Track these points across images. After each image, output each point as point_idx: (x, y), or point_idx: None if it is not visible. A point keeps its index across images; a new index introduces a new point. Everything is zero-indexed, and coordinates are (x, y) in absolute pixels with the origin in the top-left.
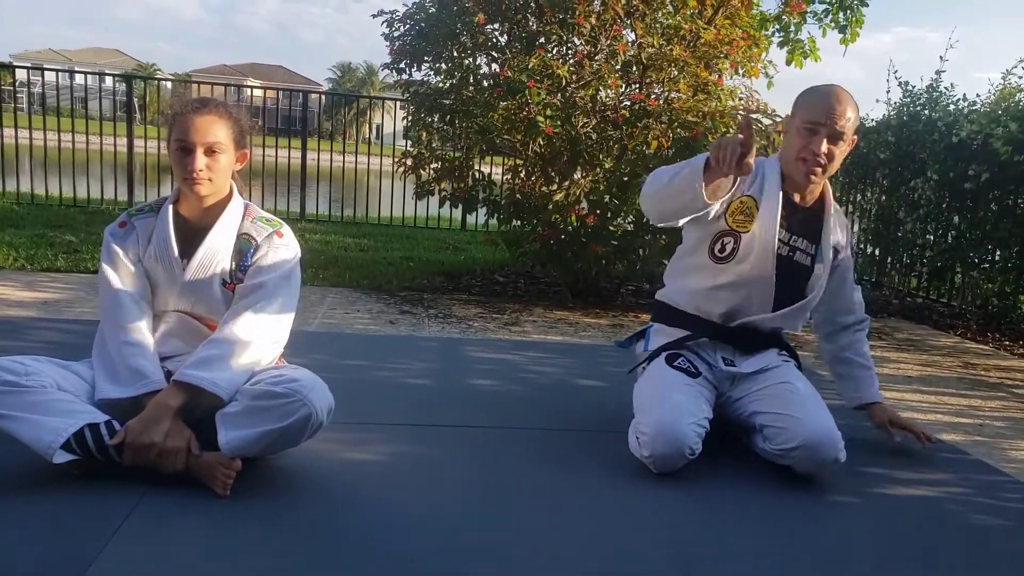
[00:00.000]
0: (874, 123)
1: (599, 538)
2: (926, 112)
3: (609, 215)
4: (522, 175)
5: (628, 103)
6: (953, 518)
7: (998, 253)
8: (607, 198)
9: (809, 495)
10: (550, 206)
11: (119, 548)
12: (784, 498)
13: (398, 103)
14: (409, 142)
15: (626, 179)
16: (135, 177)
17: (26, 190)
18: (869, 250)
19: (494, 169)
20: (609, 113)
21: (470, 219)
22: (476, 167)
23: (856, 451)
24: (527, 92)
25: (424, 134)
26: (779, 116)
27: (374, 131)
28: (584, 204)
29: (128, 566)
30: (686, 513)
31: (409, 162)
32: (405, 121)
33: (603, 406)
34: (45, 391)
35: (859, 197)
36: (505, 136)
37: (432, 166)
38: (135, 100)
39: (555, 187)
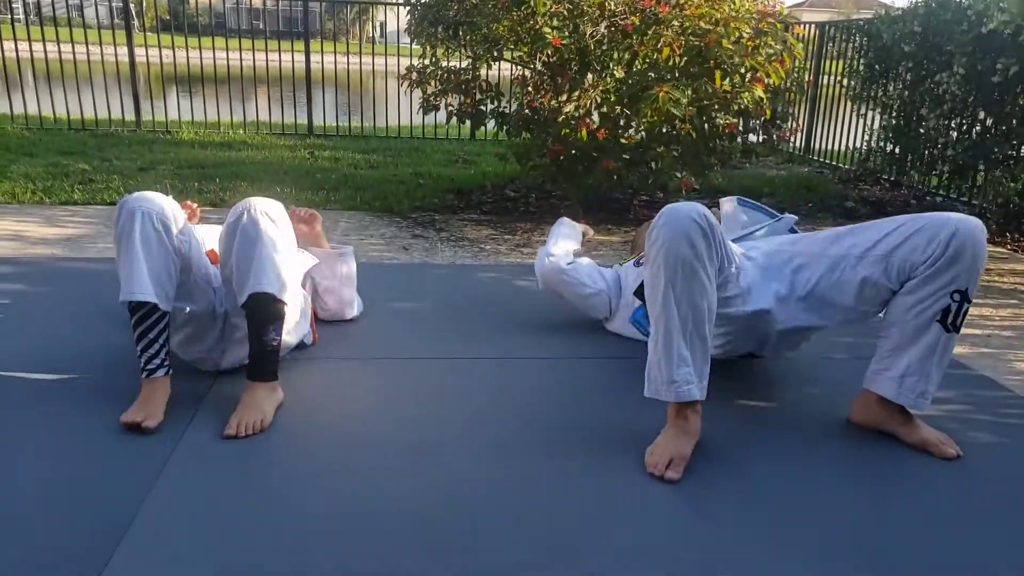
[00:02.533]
0: (899, 11)
1: (615, 462)
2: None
3: (620, 128)
4: (530, 88)
5: (638, 9)
6: (951, 436)
7: (1023, 150)
8: (618, 109)
9: (812, 415)
10: (560, 119)
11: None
12: (780, 414)
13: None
14: (414, 43)
15: (637, 89)
16: (140, 92)
17: (33, 112)
18: (889, 148)
19: (502, 74)
20: (619, 20)
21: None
22: (483, 78)
23: (857, 371)
24: (532, 1)
25: (428, 47)
26: (794, 19)
27: (378, 30)
28: (595, 117)
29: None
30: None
31: (414, 76)
32: (408, 18)
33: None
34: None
35: (880, 92)
36: (512, 48)
37: (437, 78)
38: (131, 6)
39: (564, 98)
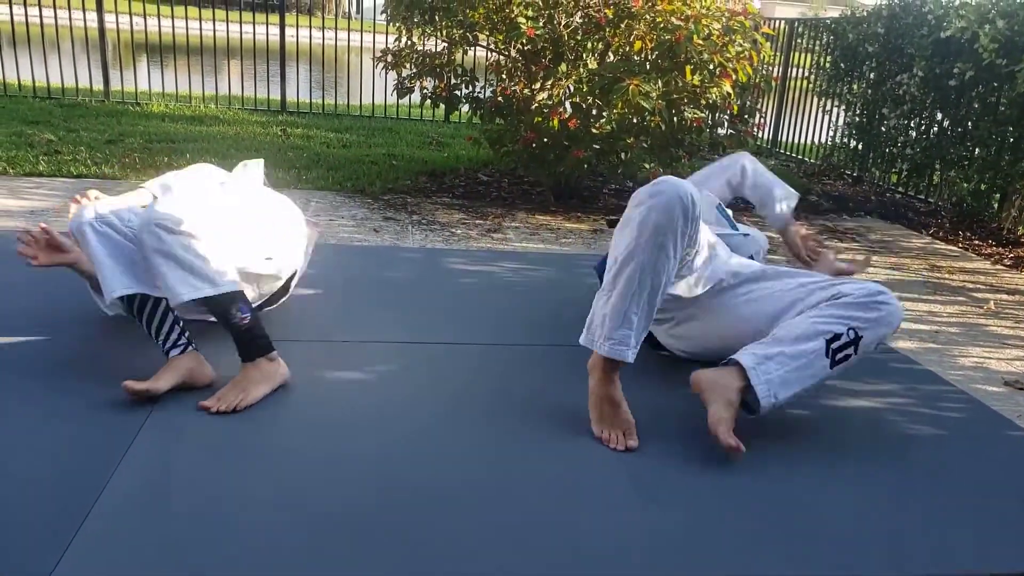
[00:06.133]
0: (865, 13)
1: (581, 454)
2: (918, 3)
3: (591, 119)
4: (504, 76)
5: (612, 2)
6: (891, 428)
7: (977, 151)
8: (590, 99)
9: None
10: (534, 107)
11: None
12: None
13: None
14: (390, 24)
15: (609, 81)
16: (109, 60)
17: None
18: (852, 144)
19: (477, 58)
20: (592, 12)
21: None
22: (458, 62)
23: None
24: None
25: (404, 31)
26: (762, 18)
27: (354, 5)
28: (567, 106)
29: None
30: (661, 430)
31: (389, 58)
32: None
33: (580, 319)
34: None
35: (845, 90)
36: (487, 35)
37: (413, 61)
38: None
39: (537, 86)
